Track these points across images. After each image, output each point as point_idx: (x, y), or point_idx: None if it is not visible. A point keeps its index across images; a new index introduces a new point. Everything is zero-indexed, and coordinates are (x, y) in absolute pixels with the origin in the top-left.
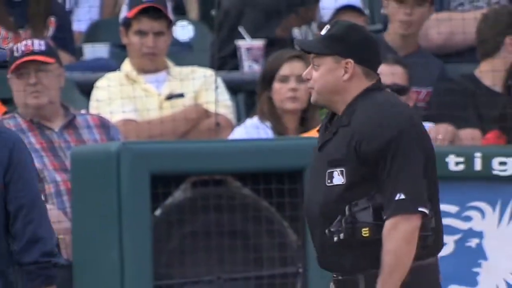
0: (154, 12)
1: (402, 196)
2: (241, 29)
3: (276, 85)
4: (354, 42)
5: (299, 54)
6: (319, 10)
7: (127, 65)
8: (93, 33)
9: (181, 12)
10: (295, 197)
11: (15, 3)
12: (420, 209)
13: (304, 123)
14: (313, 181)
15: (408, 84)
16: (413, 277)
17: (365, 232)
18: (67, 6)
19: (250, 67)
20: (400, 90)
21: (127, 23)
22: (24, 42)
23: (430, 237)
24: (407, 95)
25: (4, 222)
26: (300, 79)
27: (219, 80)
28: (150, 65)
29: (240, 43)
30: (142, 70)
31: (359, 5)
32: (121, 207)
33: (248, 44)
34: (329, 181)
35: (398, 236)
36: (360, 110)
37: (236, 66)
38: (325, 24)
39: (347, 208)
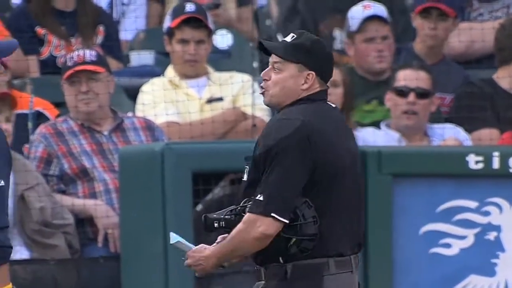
0: (195, 22)
1: (261, 198)
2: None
3: None
4: (319, 56)
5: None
6: (347, 20)
7: (170, 71)
8: (139, 42)
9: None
10: None
11: (66, 14)
12: (273, 214)
13: None
14: None
15: (431, 89)
16: (292, 275)
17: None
18: (115, 16)
19: None
20: (423, 93)
21: (171, 32)
22: (76, 52)
23: (307, 241)
24: (430, 99)
25: None
26: (335, 84)
27: (256, 85)
28: (191, 71)
29: None
30: (184, 75)
31: (385, 15)
32: (165, 203)
33: None
34: (243, 177)
35: (248, 230)
36: (272, 117)
37: None
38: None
39: (242, 201)
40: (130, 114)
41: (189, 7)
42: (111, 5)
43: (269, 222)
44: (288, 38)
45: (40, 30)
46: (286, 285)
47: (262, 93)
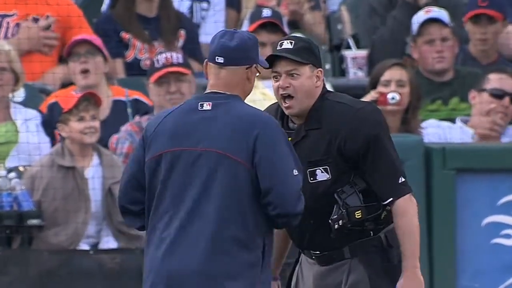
0: (271, 26)
1: (402, 179)
2: (350, 40)
3: (380, 89)
4: (318, 54)
5: (399, 62)
6: (411, 25)
7: None
8: None
9: (296, 26)
10: None
11: (150, 19)
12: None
13: (405, 122)
14: None
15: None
16: (387, 242)
17: (358, 214)
18: (195, 20)
19: (355, 74)
20: (502, 95)
21: None
22: (163, 55)
23: (387, 211)
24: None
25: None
26: (399, 83)
27: (328, 85)
28: (268, 72)
29: (346, 53)
30: (261, 76)
31: (444, 18)
32: None
33: (353, 54)
34: (311, 178)
35: (413, 209)
36: (330, 112)
37: (343, 73)
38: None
39: (336, 196)
40: None
41: (266, 12)
42: (191, 10)
43: (412, 196)
44: (288, 45)
45: (125, 35)
46: (386, 251)
47: (288, 102)
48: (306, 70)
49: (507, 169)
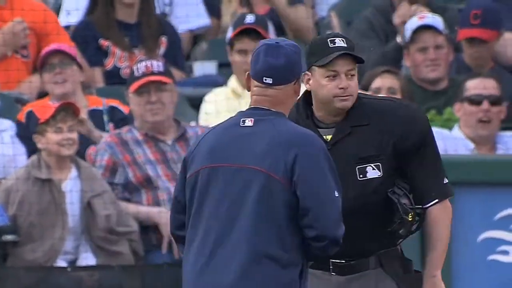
0: (256, 33)
1: (446, 181)
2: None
3: None
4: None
5: (389, 69)
6: (404, 31)
7: (233, 81)
8: (202, 52)
9: (283, 32)
10: None
11: (130, 26)
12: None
13: None
14: None
15: (501, 95)
16: (404, 255)
17: (411, 216)
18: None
19: None
20: (496, 101)
21: (231, 42)
22: (143, 63)
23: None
24: (502, 105)
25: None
26: (390, 90)
27: None
28: None
29: None
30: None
31: (438, 25)
32: None
33: None
34: (361, 175)
35: (447, 217)
36: (378, 109)
37: None
38: None
39: (392, 195)
40: (193, 123)
41: (249, 18)
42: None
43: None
44: (342, 43)
45: (104, 42)
46: (407, 265)
47: (345, 100)
48: (355, 69)
49: (505, 183)
